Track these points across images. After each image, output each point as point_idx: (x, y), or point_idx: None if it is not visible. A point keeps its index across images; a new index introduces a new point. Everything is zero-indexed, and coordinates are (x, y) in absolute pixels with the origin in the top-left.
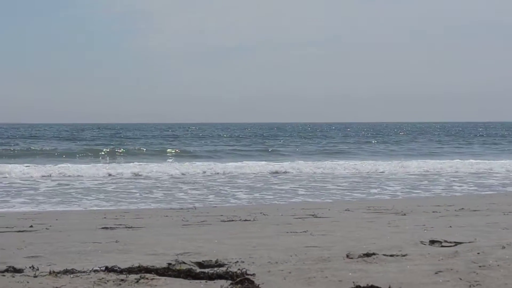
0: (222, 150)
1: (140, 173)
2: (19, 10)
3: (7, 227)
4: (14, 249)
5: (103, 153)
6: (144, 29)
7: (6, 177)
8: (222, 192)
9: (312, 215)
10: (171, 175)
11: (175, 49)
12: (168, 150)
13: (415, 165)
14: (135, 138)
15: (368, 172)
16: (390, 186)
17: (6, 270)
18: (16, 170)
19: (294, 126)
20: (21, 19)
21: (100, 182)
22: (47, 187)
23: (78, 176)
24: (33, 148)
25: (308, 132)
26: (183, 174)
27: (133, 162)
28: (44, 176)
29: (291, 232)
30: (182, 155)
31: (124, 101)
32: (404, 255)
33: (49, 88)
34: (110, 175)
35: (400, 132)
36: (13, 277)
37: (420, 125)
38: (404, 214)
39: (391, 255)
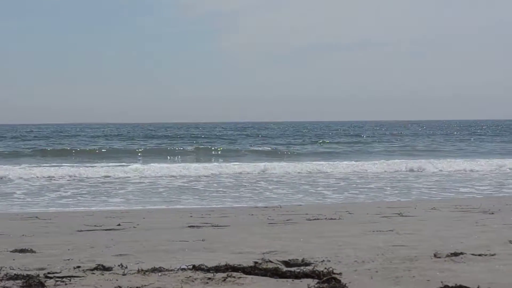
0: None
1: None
2: (100, 15)
3: (95, 226)
4: (103, 247)
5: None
6: (222, 30)
7: (109, 176)
8: (310, 191)
9: (398, 214)
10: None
11: (248, 48)
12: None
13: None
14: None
15: (456, 170)
16: (478, 185)
17: (96, 268)
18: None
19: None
20: (99, 25)
21: (189, 180)
22: (141, 185)
23: (163, 175)
24: (130, 147)
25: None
26: (286, 173)
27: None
28: (163, 175)
29: (377, 231)
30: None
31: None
32: (492, 255)
33: (127, 89)
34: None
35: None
36: (103, 274)
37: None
38: (492, 213)
39: (479, 255)
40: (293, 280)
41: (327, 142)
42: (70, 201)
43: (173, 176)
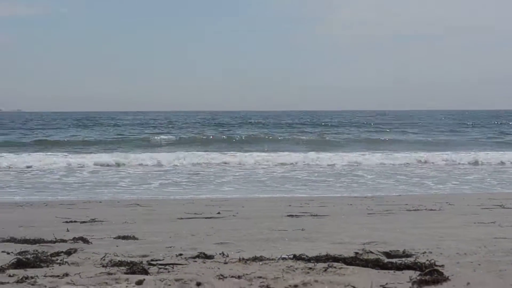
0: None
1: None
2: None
3: (195, 213)
4: (204, 235)
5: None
6: (314, 19)
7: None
8: (410, 181)
9: (500, 206)
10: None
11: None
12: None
13: None
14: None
15: None
16: None
17: (198, 256)
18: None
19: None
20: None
21: (289, 169)
22: (238, 174)
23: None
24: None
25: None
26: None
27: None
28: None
29: (478, 222)
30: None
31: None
32: None
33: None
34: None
35: None
36: (204, 263)
37: None
38: None
39: None
40: (394, 272)
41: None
42: (171, 189)
43: (275, 164)
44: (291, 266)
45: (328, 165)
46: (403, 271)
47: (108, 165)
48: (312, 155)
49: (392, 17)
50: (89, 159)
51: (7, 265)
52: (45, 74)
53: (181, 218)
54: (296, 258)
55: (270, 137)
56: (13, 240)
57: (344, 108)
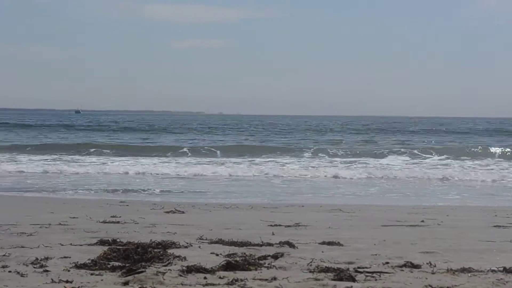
0: None
1: None
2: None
3: (398, 221)
4: (409, 243)
5: None
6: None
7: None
8: None
9: None
10: None
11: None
12: None
13: None
14: None
15: None
16: None
17: (404, 265)
18: None
19: None
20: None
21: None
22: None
23: None
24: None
25: None
26: None
27: None
28: None
29: None
30: None
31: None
32: None
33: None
34: None
35: None
36: (411, 272)
37: None
38: None
39: None
40: None
41: None
42: (375, 196)
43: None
44: (501, 279)
45: None
46: None
47: None
48: None
49: None
50: None
51: (217, 266)
52: (248, 77)
53: (385, 226)
54: (506, 270)
55: None
56: (221, 242)
57: None
